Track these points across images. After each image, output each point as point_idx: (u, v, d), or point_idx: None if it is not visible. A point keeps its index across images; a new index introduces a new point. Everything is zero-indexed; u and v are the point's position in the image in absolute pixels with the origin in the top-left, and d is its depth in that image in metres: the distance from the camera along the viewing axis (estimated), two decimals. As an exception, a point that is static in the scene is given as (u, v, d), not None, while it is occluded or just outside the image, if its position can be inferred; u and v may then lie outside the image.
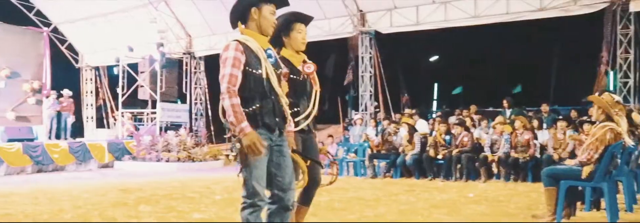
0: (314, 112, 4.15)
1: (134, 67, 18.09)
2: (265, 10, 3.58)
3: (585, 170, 5.36)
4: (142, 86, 17.69)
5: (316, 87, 4.22)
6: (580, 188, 5.82)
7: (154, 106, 17.48)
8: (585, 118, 9.92)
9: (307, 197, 4.36)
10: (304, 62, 4.18)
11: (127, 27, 19.38)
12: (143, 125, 18.58)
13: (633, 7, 12.30)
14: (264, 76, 3.49)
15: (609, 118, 5.44)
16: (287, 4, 3.77)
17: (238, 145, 3.37)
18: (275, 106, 3.53)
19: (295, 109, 4.05)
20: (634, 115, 7.85)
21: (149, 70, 17.27)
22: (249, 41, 3.52)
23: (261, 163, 3.44)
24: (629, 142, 5.56)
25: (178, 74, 19.23)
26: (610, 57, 12.94)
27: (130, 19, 19.47)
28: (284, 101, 3.60)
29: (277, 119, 3.54)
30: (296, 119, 4.03)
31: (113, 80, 21.01)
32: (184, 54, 19.86)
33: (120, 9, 19.34)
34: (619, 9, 12.51)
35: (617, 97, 5.63)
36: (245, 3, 3.58)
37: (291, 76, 4.07)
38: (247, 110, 3.42)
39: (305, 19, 4.19)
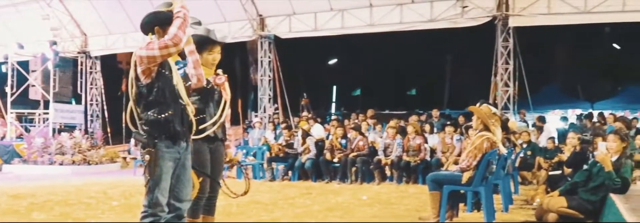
0: (221, 120, 4.32)
1: (24, 65, 17.30)
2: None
3: (465, 176, 5.85)
4: (33, 85, 16.96)
5: (226, 97, 4.40)
6: (462, 191, 6.31)
7: (46, 106, 16.82)
8: (470, 123, 10.60)
9: (209, 206, 4.55)
10: (217, 74, 4.39)
11: (17, 23, 18.53)
12: (34, 126, 17.79)
13: (512, 22, 13.38)
14: (174, 82, 3.68)
15: (487, 128, 5.97)
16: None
17: (147, 157, 3.54)
18: (183, 114, 3.72)
19: (201, 116, 4.21)
20: (510, 123, 8.53)
21: (41, 69, 16.59)
22: None
23: (167, 176, 3.63)
24: (503, 150, 6.13)
25: (73, 73, 18.56)
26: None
27: (20, 14, 18.62)
28: (190, 110, 3.77)
29: (184, 128, 3.72)
30: (202, 126, 4.19)
31: (0, 78, 19.96)
32: (79, 53, 19.23)
33: (8, 3, 18.42)
34: (500, 23, 13.53)
35: (494, 109, 6.19)
36: (150, 23, 3.71)
37: None
38: (160, 117, 3.59)
39: (219, 42, 4.39)
